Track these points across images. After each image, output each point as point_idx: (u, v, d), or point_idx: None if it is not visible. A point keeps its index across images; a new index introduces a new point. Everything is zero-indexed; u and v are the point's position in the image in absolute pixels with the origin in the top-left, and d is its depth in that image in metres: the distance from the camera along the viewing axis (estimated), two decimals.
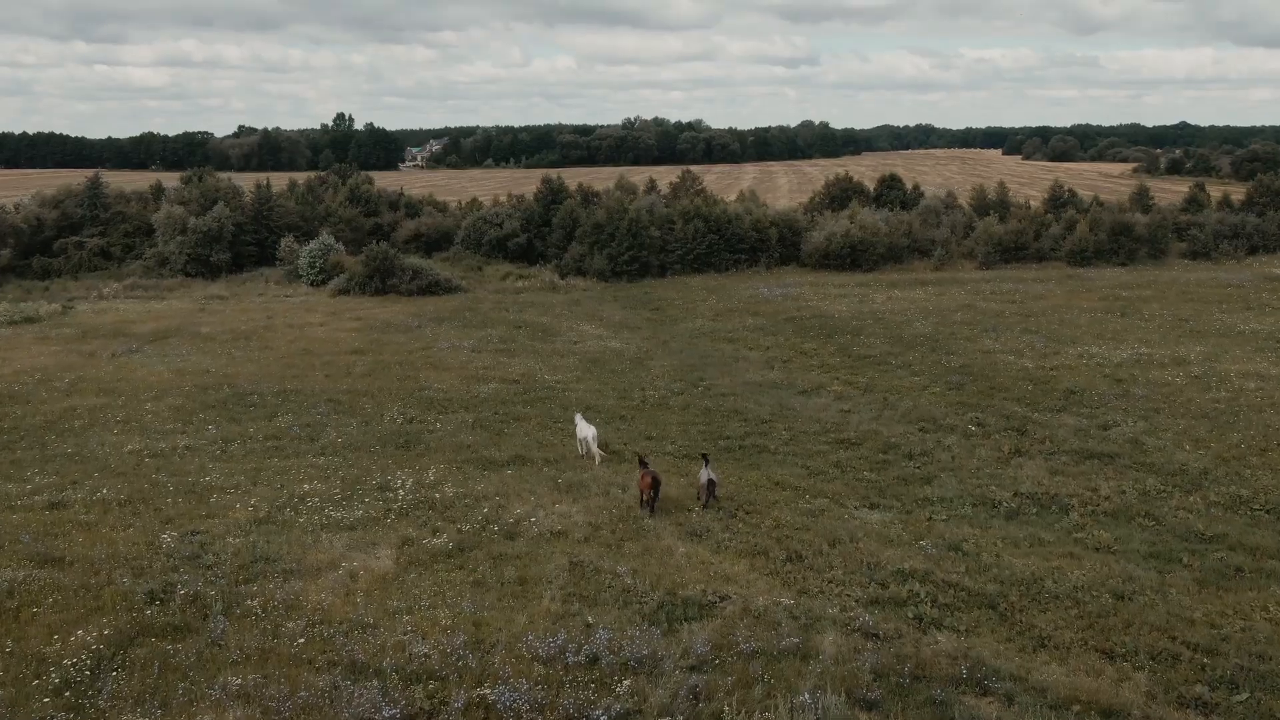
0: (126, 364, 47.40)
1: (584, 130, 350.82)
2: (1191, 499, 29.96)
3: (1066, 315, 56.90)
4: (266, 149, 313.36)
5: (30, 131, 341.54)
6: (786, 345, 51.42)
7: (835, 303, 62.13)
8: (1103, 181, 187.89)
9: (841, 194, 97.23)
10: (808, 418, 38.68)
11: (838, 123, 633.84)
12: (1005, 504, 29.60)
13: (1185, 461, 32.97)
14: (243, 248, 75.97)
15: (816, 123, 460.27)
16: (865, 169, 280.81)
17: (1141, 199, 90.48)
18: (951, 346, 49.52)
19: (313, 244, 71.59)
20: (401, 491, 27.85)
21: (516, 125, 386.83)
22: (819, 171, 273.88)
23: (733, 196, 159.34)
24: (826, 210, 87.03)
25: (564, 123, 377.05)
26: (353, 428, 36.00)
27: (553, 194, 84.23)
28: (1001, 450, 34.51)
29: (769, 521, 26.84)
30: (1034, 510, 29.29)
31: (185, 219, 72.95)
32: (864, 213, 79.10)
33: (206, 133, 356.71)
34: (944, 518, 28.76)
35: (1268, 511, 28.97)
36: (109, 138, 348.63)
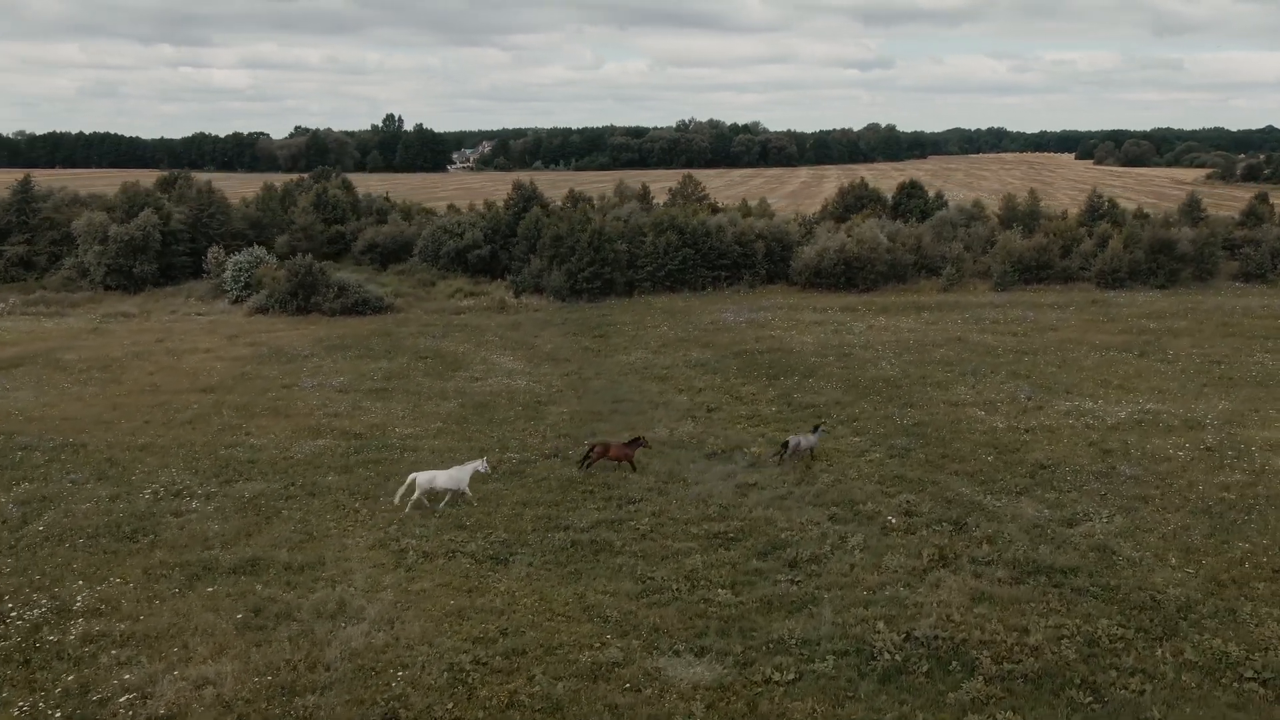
0: None
1: (636, 132, 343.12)
2: (1158, 654, 21.07)
3: (1073, 354, 47.44)
4: (314, 150, 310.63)
5: (86, 131, 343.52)
6: (722, 388, 42.89)
7: (805, 332, 53.23)
8: (1172, 188, 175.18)
9: (856, 202, 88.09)
10: (694, 496, 30.24)
11: (913, 126, 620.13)
12: (887, 655, 21.00)
13: (1164, 585, 23.91)
14: (174, 258, 69.26)
15: (883, 125, 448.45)
16: (923, 173, 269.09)
17: (1191, 211, 79.76)
18: (915, 396, 40.52)
19: (238, 255, 64.56)
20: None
21: (573, 127, 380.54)
22: (874, 175, 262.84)
23: (775, 200, 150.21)
24: (829, 220, 77.92)
25: (615, 124, 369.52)
26: (90, 505, 28.41)
27: (524, 200, 76.37)
28: (921, 557, 25.75)
29: (502, 695, 18.57)
30: (925, 667, 20.66)
31: (106, 226, 66.39)
32: (865, 225, 69.91)
33: (260, 133, 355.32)
34: (790, 678, 20.32)
35: (1263, 684, 19.94)
36: (161, 138, 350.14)
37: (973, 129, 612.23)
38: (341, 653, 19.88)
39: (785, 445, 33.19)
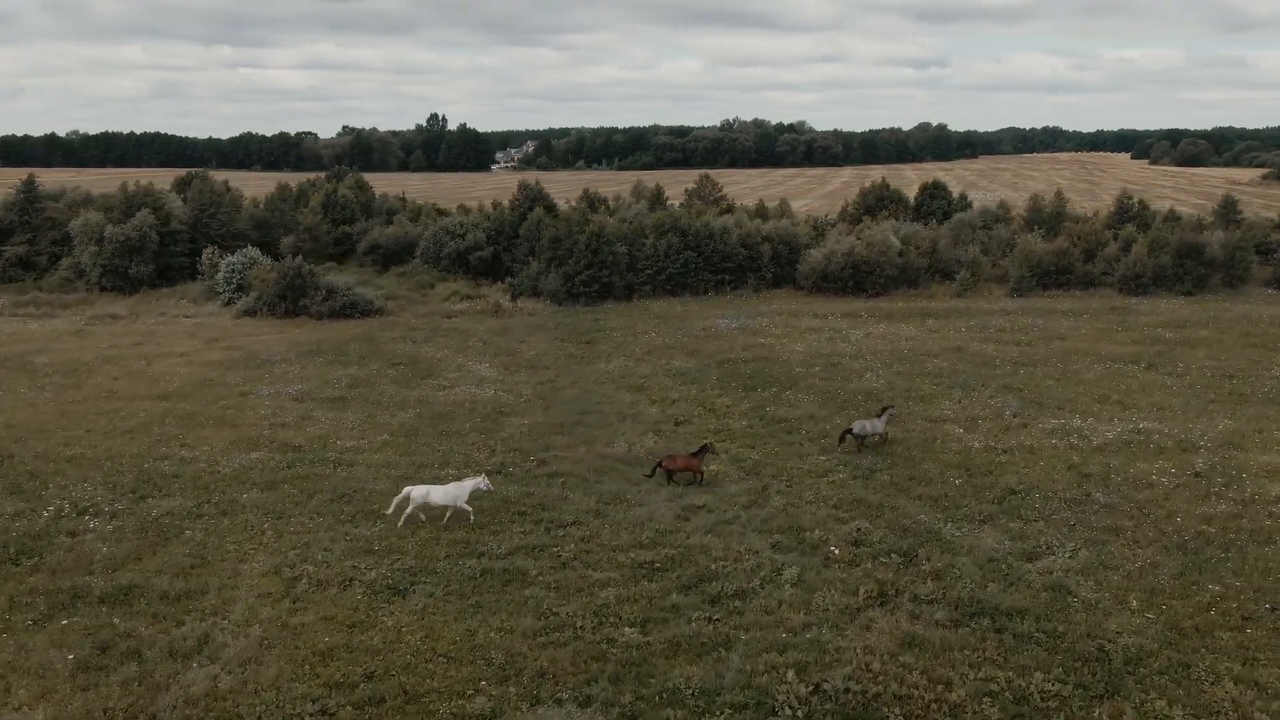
0: None
1: (680, 132, 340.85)
2: (1095, 715, 18.83)
3: (1075, 366, 44.70)
4: (358, 149, 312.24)
5: (138, 131, 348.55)
6: (697, 399, 40.81)
7: (799, 340, 50.93)
8: (1224, 188, 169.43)
9: (876, 203, 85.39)
10: (630, 520, 28.28)
11: (969, 125, 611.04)
12: (789, 710, 19.04)
13: (1117, 633, 21.56)
14: (173, 259, 68.44)
15: (934, 125, 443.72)
16: (970, 173, 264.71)
17: (1226, 212, 76.13)
18: (896, 410, 38.10)
19: (232, 257, 63.54)
20: None
21: (619, 126, 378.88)
22: (919, 175, 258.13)
23: (812, 200, 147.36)
24: (846, 222, 75.42)
25: (660, 124, 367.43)
26: None
27: (530, 201, 74.74)
28: (858, 594, 23.59)
29: None
30: None
31: (102, 227, 65.73)
32: (876, 227, 67.34)
33: (308, 132, 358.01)
34: None
35: None
36: (210, 138, 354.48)
37: (1027, 128, 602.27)
38: (175, 700, 18.23)
39: (849, 431, 33.47)
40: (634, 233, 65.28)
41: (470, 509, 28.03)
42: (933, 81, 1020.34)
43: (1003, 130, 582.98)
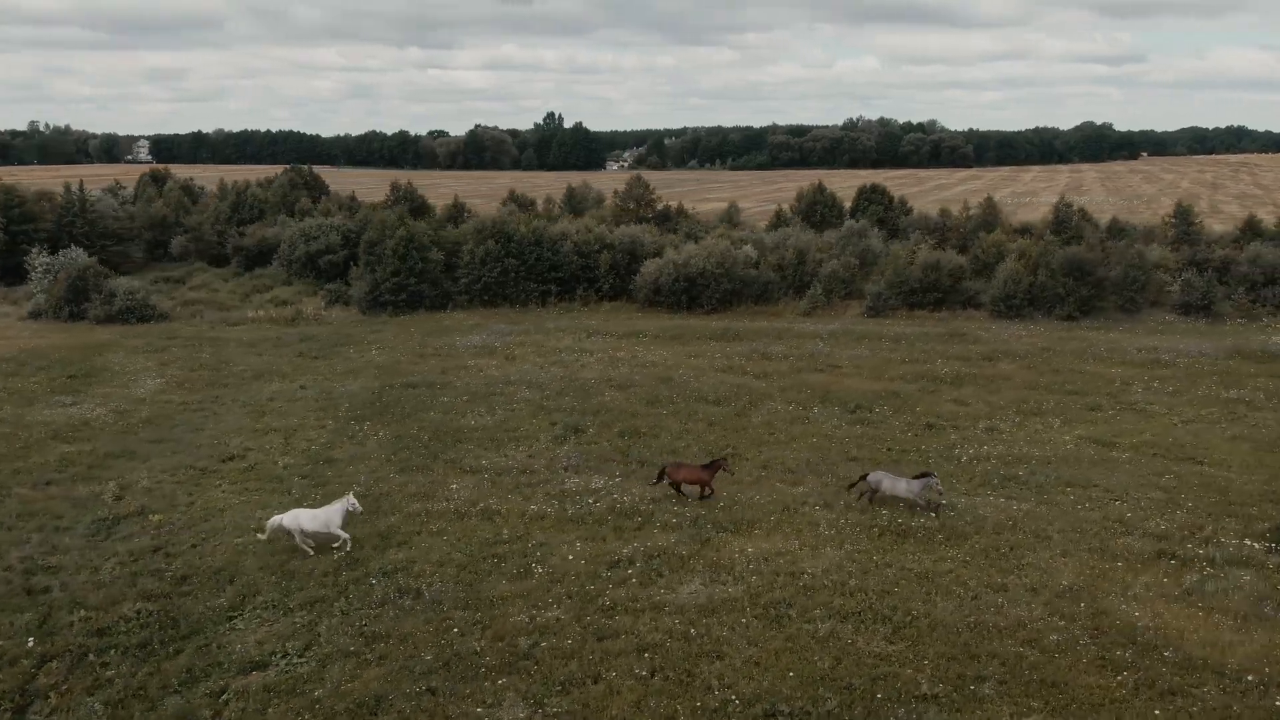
0: None
1: (798, 131, 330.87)
2: None
3: (766, 406, 37.45)
4: (471, 148, 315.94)
5: (272, 129, 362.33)
6: (290, 430, 35.98)
7: (519, 364, 45.11)
8: None
9: (810, 209, 78.20)
10: None
11: (1172, 125, 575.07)
12: None
13: None
14: (25, 259, 67.63)
15: (1098, 124, 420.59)
16: (1096, 175, 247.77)
17: (1179, 223, 65.59)
18: (439, 456, 32.31)
19: (51, 258, 61.98)
20: None
21: (739, 125, 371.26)
22: (1039, 177, 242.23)
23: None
24: (783, 227, 68.95)
25: (778, 123, 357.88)
26: None
27: (401, 203, 70.90)
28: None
29: None
30: None
31: None
32: (730, 235, 60.61)
33: (440, 131, 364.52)
34: None
35: None
36: (336, 135, 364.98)
37: (1210, 127, 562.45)
38: None
39: (863, 479, 27.43)
40: (455, 239, 60.55)
41: (346, 535, 25.25)
42: (1128, 79, 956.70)
43: (1180, 130, 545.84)
